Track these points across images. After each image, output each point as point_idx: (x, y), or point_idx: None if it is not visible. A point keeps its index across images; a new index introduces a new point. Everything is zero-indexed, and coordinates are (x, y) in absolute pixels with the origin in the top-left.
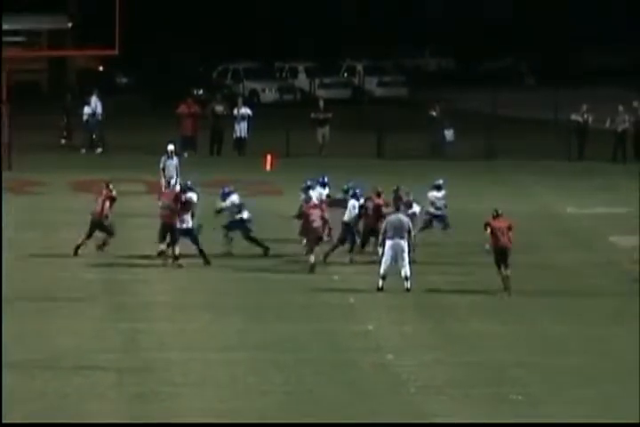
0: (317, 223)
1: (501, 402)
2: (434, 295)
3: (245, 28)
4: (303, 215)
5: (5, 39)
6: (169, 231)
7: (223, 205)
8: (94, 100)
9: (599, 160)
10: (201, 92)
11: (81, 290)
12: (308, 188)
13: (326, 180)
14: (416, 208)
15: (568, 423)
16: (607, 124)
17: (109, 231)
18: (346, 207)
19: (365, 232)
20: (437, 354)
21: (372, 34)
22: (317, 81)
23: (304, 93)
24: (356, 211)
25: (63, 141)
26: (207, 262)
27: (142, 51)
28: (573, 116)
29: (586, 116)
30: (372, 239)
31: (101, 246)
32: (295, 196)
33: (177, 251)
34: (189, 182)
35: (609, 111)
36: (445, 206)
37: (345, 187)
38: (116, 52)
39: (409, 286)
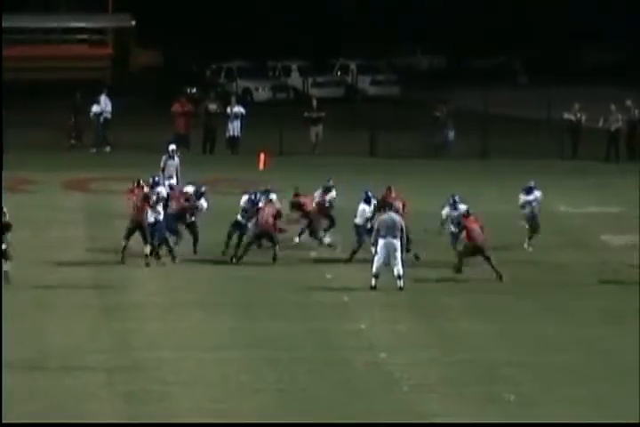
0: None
1: (493, 401)
2: (427, 294)
3: (245, 26)
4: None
5: (69, 37)
6: (138, 229)
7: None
8: (104, 98)
9: (592, 159)
10: (194, 90)
11: (72, 289)
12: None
13: (370, 194)
14: (462, 207)
15: (559, 423)
16: (600, 124)
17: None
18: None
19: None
20: (430, 353)
21: (371, 31)
22: (310, 80)
23: (297, 92)
24: (368, 214)
25: (73, 142)
26: (159, 258)
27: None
28: (566, 115)
29: (579, 115)
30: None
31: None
32: (288, 194)
33: (148, 249)
34: (203, 188)
35: (602, 110)
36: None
37: (326, 185)
38: (110, 51)
39: (402, 284)
